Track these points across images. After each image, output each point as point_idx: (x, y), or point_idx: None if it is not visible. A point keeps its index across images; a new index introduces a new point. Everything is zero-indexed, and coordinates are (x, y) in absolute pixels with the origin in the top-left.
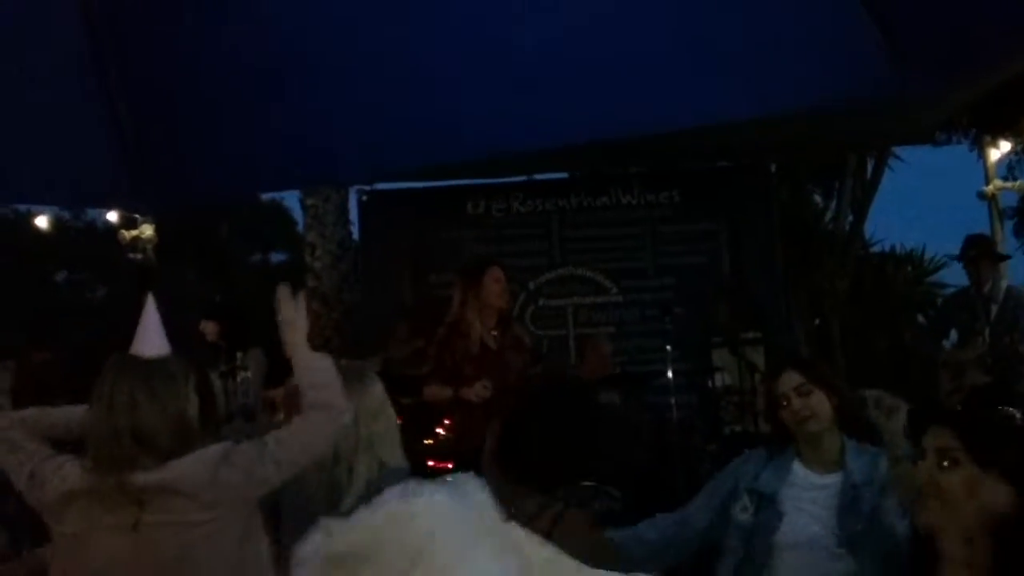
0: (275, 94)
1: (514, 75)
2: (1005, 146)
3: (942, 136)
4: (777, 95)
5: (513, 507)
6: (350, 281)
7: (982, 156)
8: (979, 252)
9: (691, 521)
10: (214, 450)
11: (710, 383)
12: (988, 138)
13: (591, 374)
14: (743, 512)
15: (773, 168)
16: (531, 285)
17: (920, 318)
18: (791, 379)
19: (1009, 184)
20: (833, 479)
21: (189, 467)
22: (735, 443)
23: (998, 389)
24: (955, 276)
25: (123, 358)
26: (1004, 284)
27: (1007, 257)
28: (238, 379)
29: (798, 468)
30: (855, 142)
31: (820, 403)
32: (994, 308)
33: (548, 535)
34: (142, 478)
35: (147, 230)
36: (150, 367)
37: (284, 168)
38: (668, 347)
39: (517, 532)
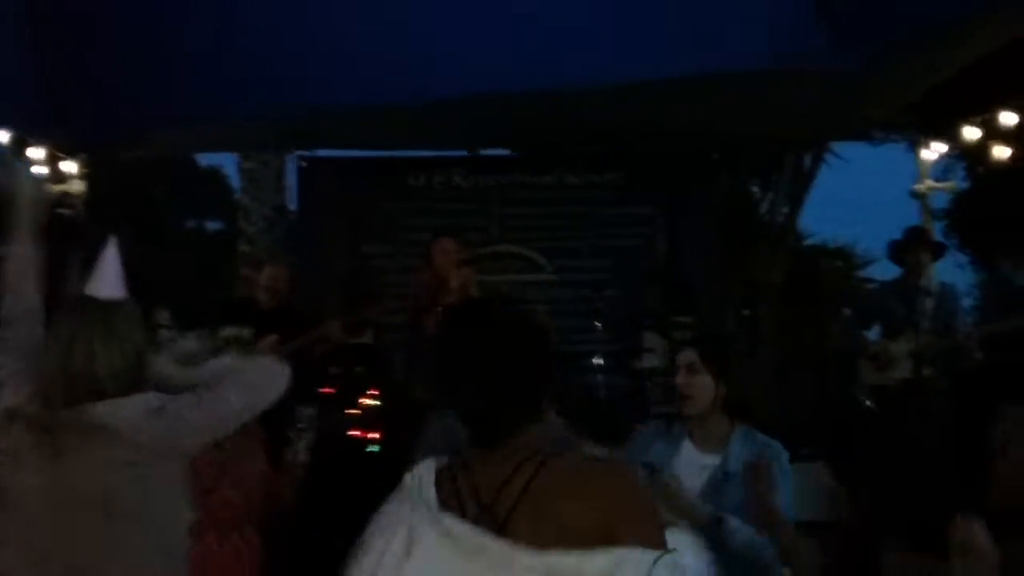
0: (195, 28)
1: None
2: (940, 147)
3: (880, 135)
4: (707, 58)
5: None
6: (284, 248)
7: (917, 156)
8: (920, 243)
9: None
10: (153, 396)
11: (639, 364)
12: (923, 138)
13: None
14: None
15: (716, 157)
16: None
17: (847, 312)
18: (687, 356)
19: (941, 185)
20: (712, 460)
21: (126, 408)
22: None
23: (925, 383)
24: (884, 272)
25: (81, 300)
26: (936, 280)
27: (944, 247)
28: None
29: (686, 445)
30: (796, 135)
31: (704, 387)
32: (929, 302)
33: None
34: (80, 412)
35: (76, 185)
36: (109, 309)
37: (204, 102)
38: (598, 324)
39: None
